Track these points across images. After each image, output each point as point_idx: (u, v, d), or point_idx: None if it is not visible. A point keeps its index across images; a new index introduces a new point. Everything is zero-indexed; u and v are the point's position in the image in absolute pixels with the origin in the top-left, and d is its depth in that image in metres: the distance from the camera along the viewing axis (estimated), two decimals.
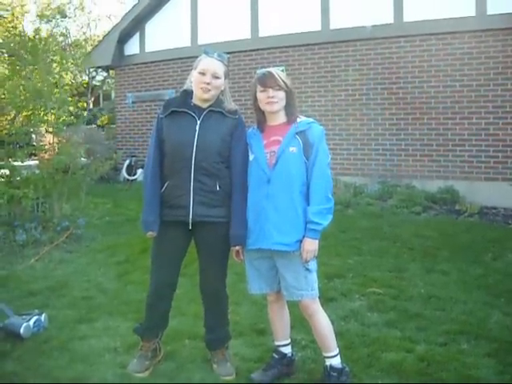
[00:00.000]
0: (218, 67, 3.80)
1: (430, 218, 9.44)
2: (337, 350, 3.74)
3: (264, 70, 3.76)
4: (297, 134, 3.65)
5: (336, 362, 3.72)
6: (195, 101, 3.86)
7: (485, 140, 10.26)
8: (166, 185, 3.83)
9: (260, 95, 3.73)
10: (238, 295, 5.39)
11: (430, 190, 10.39)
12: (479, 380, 3.80)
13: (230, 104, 3.90)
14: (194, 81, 3.82)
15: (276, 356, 3.95)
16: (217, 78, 3.78)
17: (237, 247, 3.79)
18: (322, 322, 3.74)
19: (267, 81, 3.69)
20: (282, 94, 3.69)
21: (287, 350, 3.98)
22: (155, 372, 3.96)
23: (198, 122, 3.79)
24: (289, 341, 4.01)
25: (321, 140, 3.68)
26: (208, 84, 3.74)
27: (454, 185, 10.31)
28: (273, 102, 3.68)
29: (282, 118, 3.76)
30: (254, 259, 3.83)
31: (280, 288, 3.83)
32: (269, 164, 3.67)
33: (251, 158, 3.77)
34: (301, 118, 3.74)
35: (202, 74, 3.75)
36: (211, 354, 4.07)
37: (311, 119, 3.77)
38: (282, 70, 3.77)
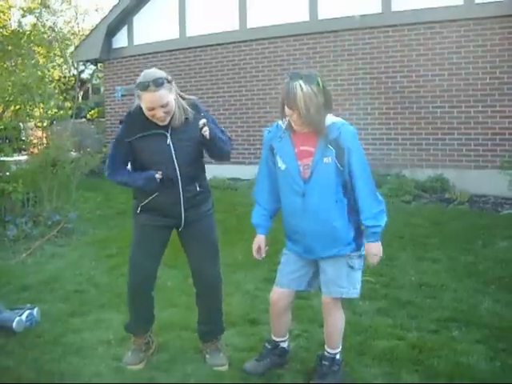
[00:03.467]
0: (163, 96, 3.57)
1: (420, 206, 9.48)
2: (340, 348, 3.74)
3: (290, 85, 3.34)
4: (329, 143, 3.43)
5: (332, 356, 3.72)
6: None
7: (474, 128, 10.30)
8: (152, 197, 3.79)
9: (287, 112, 3.43)
10: (229, 286, 5.39)
11: (419, 178, 10.43)
12: (470, 367, 3.83)
13: (187, 109, 3.76)
14: (145, 112, 3.65)
15: (269, 346, 3.95)
16: (166, 105, 3.60)
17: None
18: (338, 322, 3.70)
19: (287, 100, 3.38)
20: (297, 116, 3.39)
21: (284, 345, 3.97)
22: (148, 364, 3.97)
23: (169, 136, 3.71)
24: (286, 337, 4.00)
25: (353, 142, 3.47)
26: (161, 116, 3.61)
27: (443, 173, 10.34)
28: (293, 122, 3.46)
29: (306, 127, 3.49)
30: (290, 253, 3.77)
31: (301, 288, 3.81)
32: (303, 177, 3.51)
33: (283, 167, 3.57)
34: (329, 121, 3.47)
35: (151, 109, 3.60)
36: (204, 345, 4.08)
37: (341, 121, 3.52)
38: (317, 83, 3.36)
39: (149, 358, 4.03)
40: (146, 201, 3.81)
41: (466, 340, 4.26)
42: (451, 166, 10.48)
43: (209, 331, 4.08)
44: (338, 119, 3.53)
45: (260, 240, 3.84)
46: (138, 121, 3.73)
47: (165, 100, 3.59)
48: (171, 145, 3.71)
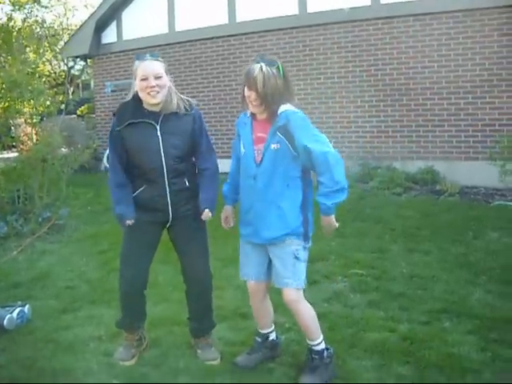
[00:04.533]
0: (157, 67, 3.70)
1: (410, 198, 9.48)
2: (320, 338, 3.73)
3: (251, 66, 3.54)
4: (277, 129, 3.54)
5: (319, 348, 3.71)
6: (147, 107, 3.78)
7: (464, 120, 10.31)
8: (139, 190, 3.81)
9: (245, 92, 3.60)
10: (221, 280, 5.41)
11: (410, 170, 10.43)
12: (461, 357, 3.85)
13: (181, 102, 3.83)
14: (139, 89, 3.72)
15: (259, 339, 3.97)
16: (159, 77, 3.68)
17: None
18: (305, 313, 3.70)
19: (247, 80, 3.55)
20: (255, 95, 3.54)
21: (271, 336, 3.99)
22: (140, 360, 3.97)
23: (158, 128, 3.74)
24: (272, 328, 4.02)
25: (302, 128, 3.52)
26: (154, 87, 3.65)
27: (434, 165, 10.35)
28: (251, 102, 3.59)
29: (265, 113, 3.65)
30: (245, 243, 3.86)
31: (266, 279, 3.83)
32: (256, 161, 3.65)
33: (243, 152, 3.74)
34: (283, 108, 3.57)
35: (145, 79, 3.65)
36: (195, 340, 4.08)
37: (292, 109, 3.58)
38: (278, 67, 3.53)
39: (141, 353, 4.03)
40: (133, 195, 3.81)
41: (457, 331, 4.28)
42: (442, 157, 10.50)
43: (200, 327, 4.08)
44: (291, 108, 3.61)
45: (227, 210, 4.02)
46: (129, 109, 3.80)
47: (158, 71, 3.69)
48: (160, 136, 3.73)
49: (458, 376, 3.63)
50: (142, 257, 3.90)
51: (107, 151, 4.17)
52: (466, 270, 5.65)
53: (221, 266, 5.86)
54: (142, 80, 3.66)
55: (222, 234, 6.83)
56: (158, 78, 3.67)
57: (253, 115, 3.73)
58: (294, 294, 3.65)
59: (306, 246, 3.70)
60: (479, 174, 9.85)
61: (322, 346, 3.73)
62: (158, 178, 3.75)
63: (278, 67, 3.53)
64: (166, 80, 3.74)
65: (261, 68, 3.48)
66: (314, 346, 3.71)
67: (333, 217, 3.56)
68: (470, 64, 10.13)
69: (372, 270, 5.73)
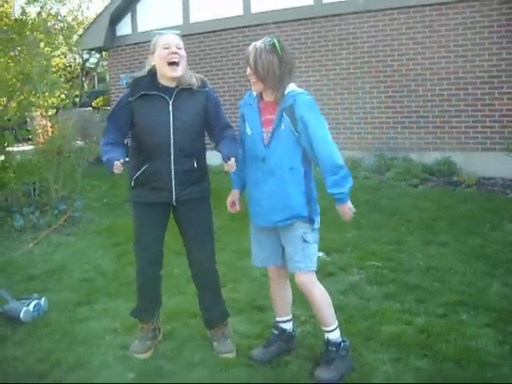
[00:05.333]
0: (178, 39, 3.77)
1: (427, 190, 9.44)
2: (335, 325, 3.71)
3: (251, 45, 3.63)
4: (283, 110, 3.55)
5: (334, 336, 3.68)
6: (162, 81, 3.76)
7: (481, 110, 10.21)
8: (144, 168, 3.76)
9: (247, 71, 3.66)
10: (236, 272, 5.42)
11: (427, 162, 10.37)
12: (479, 351, 3.81)
13: (194, 77, 3.85)
14: (159, 60, 3.71)
15: (275, 332, 3.95)
16: (180, 48, 3.73)
17: (229, 164, 3.56)
18: (318, 297, 3.68)
19: (245, 59, 3.64)
20: (249, 71, 3.61)
21: (288, 326, 3.97)
22: (155, 352, 3.96)
23: (170, 103, 3.72)
24: (290, 317, 4.01)
25: (308, 110, 3.53)
26: (176, 53, 3.68)
27: (451, 156, 10.27)
28: (252, 81, 3.63)
29: (271, 95, 3.65)
30: (258, 232, 3.83)
31: (282, 263, 3.83)
32: (264, 143, 3.63)
33: (249, 133, 3.72)
34: (289, 89, 3.59)
35: (167, 47, 3.68)
36: (210, 332, 4.07)
37: (299, 90, 3.61)
38: (273, 43, 3.55)
39: (156, 346, 4.02)
40: (138, 173, 3.79)
41: (474, 324, 4.24)
42: (458, 148, 10.41)
43: (212, 317, 4.07)
44: (298, 89, 3.63)
45: (235, 194, 3.97)
46: (143, 82, 3.79)
47: (179, 42, 3.75)
48: (171, 111, 3.72)
49: (475, 370, 3.59)
50: (154, 239, 3.91)
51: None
52: (483, 262, 5.60)
53: (236, 259, 5.85)
54: (164, 48, 3.68)
55: (237, 227, 6.88)
56: (178, 48, 3.71)
57: (260, 97, 3.72)
58: (306, 276, 3.65)
59: (315, 227, 3.68)
60: (496, 165, 9.76)
61: (337, 334, 3.70)
62: (164, 155, 3.71)
63: (273, 43, 3.54)
64: (184, 54, 3.77)
65: (255, 45, 3.58)
66: (328, 332, 3.68)
67: (349, 202, 3.56)
68: (487, 54, 10.02)
69: (388, 261, 5.70)
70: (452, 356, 3.74)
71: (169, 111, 3.71)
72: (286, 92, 3.57)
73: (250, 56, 3.57)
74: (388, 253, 6.01)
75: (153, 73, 3.79)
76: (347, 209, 3.57)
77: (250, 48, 3.59)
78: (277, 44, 3.55)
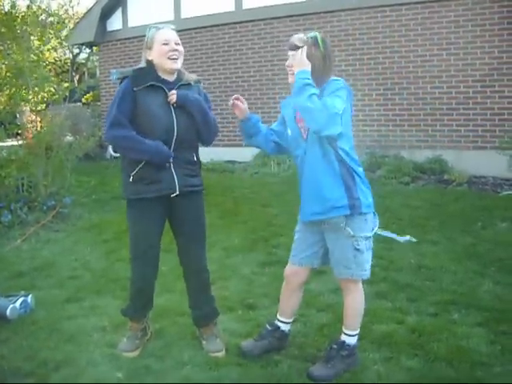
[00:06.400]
0: (176, 35, 3.78)
1: (418, 188, 9.43)
2: (357, 331, 3.67)
3: (295, 36, 3.60)
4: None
5: (351, 341, 3.65)
6: (162, 75, 3.76)
7: (472, 109, 10.22)
8: (143, 163, 3.70)
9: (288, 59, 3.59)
10: (226, 270, 5.38)
11: (418, 160, 10.36)
12: (470, 350, 3.79)
13: (189, 74, 3.90)
14: (158, 55, 3.70)
15: (269, 327, 3.92)
16: (178, 44, 3.75)
17: None
18: (354, 304, 3.66)
19: (288, 47, 3.57)
20: (293, 55, 3.52)
21: (285, 327, 3.93)
22: (144, 351, 3.91)
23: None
24: (291, 320, 3.97)
25: (334, 91, 3.42)
26: (176, 50, 3.70)
27: (442, 154, 10.27)
28: (291, 71, 3.54)
29: None
30: (301, 230, 3.77)
31: (315, 265, 3.79)
32: (303, 137, 3.57)
33: (290, 133, 3.69)
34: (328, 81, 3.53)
35: (166, 43, 3.68)
36: (200, 330, 4.02)
37: (334, 77, 3.55)
38: (315, 37, 3.53)
39: (144, 344, 3.97)
40: (139, 167, 3.72)
41: (466, 323, 4.22)
42: (450, 146, 10.42)
43: (202, 316, 4.02)
44: (334, 77, 3.57)
45: (246, 108, 3.85)
46: (145, 72, 3.76)
47: (177, 38, 3.77)
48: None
49: (467, 369, 3.56)
50: (154, 236, 3.84)
51: None
52: (475, 261, 5.59)
53: (225, 256, 5.82)
54: (164, 44, 3.68)
55: (225, 224, 6.85)
56: (177, 44, 3.73)
57: None
58: (355, 283, 3.63)
59: (368, 236, 3.57)
60: (487, 163, 9.77)
61: (355, 340, 3.67)
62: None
63: (315, 37, 3.52)
64: (182, 50, 3.79)
65: (299, 37, 3.55)
66: (348, 336, 3.65)
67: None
68: (479, 52, 10.02)
69: (380, 260, 5.65)
70: (443, 355, 3.72)
71: (171, 103, 3.70)
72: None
73: (296, 42, 3.52)
74: (379, 251, 5.95)
75: (152, 65, 3.77)
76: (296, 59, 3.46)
77: (294, 38, 3.55)
78: (319, 38, 3.53)
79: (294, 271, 3.81)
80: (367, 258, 3.60)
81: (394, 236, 6.31)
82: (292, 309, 3.93)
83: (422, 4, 10.44)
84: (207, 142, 3.91)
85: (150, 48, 3.74)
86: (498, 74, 9.90)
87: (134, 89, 3.69)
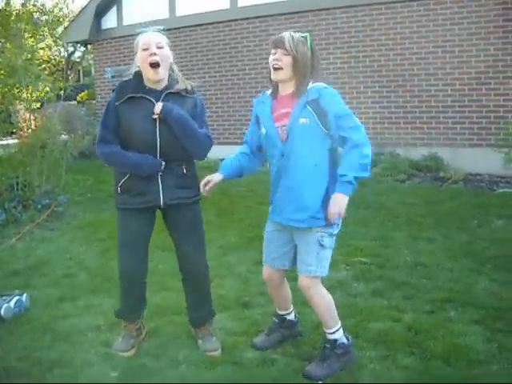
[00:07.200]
0: (159, 37, 3.63)
1: (414, 185, 9.41)
2: (336, 327, 3.63)
3: (285, 33, 3.55)
4: (307, 103, 3.43)
5: (333, 337, 3.62)
6: (148, 84, 3.66)
7: (468, 106, 10.21)
8: (129, 174, 3.67)
9: (270, 58, 3.53)
10: (221, 268, 5.36)
11: (413, 157, 10.34)
12: (467, 348, 3.77)
13: (184, 83, 3.74)
14: (140, 62, 3.61)
15: (276, 320, 3.96)
16: (161, 48, 3.59)
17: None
18: (324, 300, 3.63)
19: (274, 42, 3.52)
20: (288, 60, 3.46)
21: (290, 317, 3.97)
22: (139, 350, 3.89)
23: None
24: (290, 309, 4.00)
25: (336, 104, 3.46)
26: (155, 55, 3.55)
27: (437, 152, 10.25)
28: (277, 65, 3.47)
29: (291, 87, 3.53)
30: (274, 229, 3.75)
31: (285, 266, 3.79)
32: (281, 138, 3.52)
33: (264, 132, 3.63)
34: (312, 85, 3.50)
35: (146, 48, 3.56)
36: (195, 330, 4.01)
37: (323, 84, 3.53)
38: (305, 37, 3.53)
39: (139, 343, 3.95)
40: (124, 178, 3.68)
41: (462, 321, 4.21)
42: (445, 144, 10.40)
43: (199, 316, 4.00)
44: (320, 83, 3.54)
45: (215, 176, 3.74)
46: (129, 86, 3.68)
47: (160, 40, 3.61)
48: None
49: (463, 367, 3.55)
50: (139, 245, 3.79)
51: None
52: (471, 259, 5.58)
53: (221, 254, 5.80)
54: (143, 50, 3.57)
55: (221, 222, 6.84)
56: (159, 47, 3.59)
57: (273, 94, 3.64)
58: (310, 281, 3.57)
59: (333, 233, 3.57)
60: (483, 161, 9.77)
61: (337, 335, 3.63)
62: None
63: (306, 37, 3.53)
64: (168, 53, 3.67)
65: (290, 33, 3.51)
66: (329, 334, 3.63)
67: (347, 198, 3.40)
68: (474, 50, 10.00)
69: (375, 258, 5.66)
70: (440, 353, 3.71)
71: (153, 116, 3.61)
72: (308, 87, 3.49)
73: (285, 41, 3.46)
74: (375, 249, 5.97)
75: (139, 75, 3.69)
76: (342, 201, 3.39)
77: (285, 34, 3.49)
78: (309, 39, 3.55)
79: (270, 273, 3.83)
80: (327, 255, 3.59)
81: None
82: (286, 300, 3.96)
83: (417, 1, 10.41)
84: (197, 158, 3.80)
85: (136, 54, 3.66)
86: (494, 71, 9.88)
87: (116, 103, 3.64)
